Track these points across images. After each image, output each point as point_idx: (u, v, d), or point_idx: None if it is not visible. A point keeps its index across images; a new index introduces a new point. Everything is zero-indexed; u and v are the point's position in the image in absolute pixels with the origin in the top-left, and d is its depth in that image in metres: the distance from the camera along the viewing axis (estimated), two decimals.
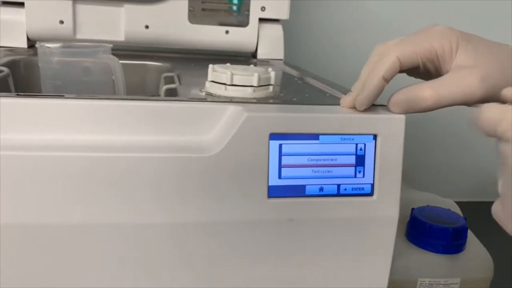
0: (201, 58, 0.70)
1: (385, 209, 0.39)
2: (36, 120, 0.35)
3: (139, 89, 0.66)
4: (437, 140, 0.98)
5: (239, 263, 0.38)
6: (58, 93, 0.37)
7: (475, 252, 0.49)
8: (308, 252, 0.39)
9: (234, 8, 0.70)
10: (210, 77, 0.44)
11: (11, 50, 0.64)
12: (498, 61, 0.38)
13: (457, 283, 0.47)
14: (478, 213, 0.91)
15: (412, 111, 0.38)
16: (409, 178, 0.69)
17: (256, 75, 0.43)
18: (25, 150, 0.34)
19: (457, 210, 0.54)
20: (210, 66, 0.45)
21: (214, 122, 0.37)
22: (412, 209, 0.50)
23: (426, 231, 0.47)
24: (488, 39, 0.40)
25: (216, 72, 0.44)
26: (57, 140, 0.35)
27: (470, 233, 0.52)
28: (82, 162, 0.35)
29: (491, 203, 0.33)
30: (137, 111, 0.36)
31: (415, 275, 0.47)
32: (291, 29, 0.86)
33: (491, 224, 0.34)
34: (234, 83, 0.43)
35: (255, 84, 0.43)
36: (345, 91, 0.46)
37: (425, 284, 0.47)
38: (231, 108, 0.37)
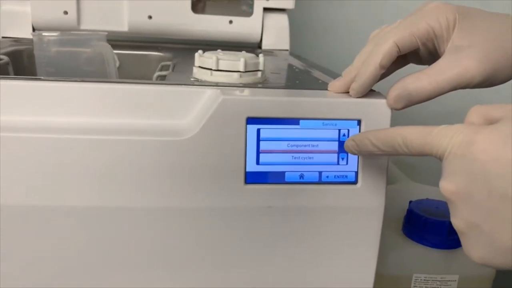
0: (204, 48, 0.69)
1: (370, 198, 0.37)
2: (10, 102, 0.35)
3: (140, 79, 0.65)
4: None
5: (215, 250, 0.37)
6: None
7: None
8: (287, 241, 0.37)
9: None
10: (197, 63, 0.44)
11: (16, 40, 0.65)
12: (498, 37, 0.35)
13: (455, 280, 0.45)
14: None
15: (413, 104, 0.36)
16: (415, 171, 0.67)
17: (242, 60, 0.41)
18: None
19: None
20: (199, 51, 0.44)
21: (191, 105, 0.37)
22: (410, 202, 0.48)
23: (421, 225, 0.45)
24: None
25: (203, 57, 0.43)
26: (28, 122, 0.35)
27: None
28: (56, 144, 0.34)
29: None
30: (113, 94, 0.36)
31: (410, 270, 0.45)
32: (303, 20, 0.84)
33: None
34: (220, 68, 0.42)
35: (241, 69, 0.41)
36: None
37: (421, 280, 0.45)
38: (209, 92, 0.36)
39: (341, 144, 0.37)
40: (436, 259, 0.45)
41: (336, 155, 0.37)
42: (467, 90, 0.85)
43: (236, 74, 0.41)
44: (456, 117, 0.98)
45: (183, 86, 0.37)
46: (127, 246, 0.36)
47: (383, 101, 0.37)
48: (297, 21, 0.82)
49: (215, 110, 0.35)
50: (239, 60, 0.42)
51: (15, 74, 0.57)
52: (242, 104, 0.35)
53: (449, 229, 0.44)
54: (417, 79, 0.35)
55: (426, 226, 0.44)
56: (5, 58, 0.55)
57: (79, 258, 0.36)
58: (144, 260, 0.37)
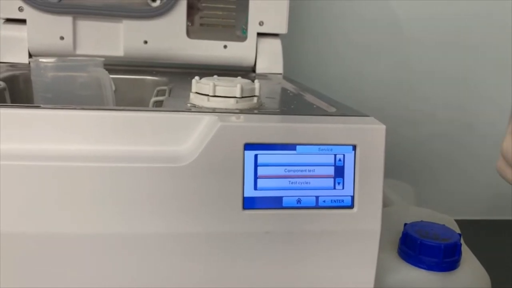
0: (200, 73, 0.70)
1: (367, 222, 0.38)
2: (10, 130, 0.35)
3: (136, 104, 0.66)
4: (446, 158, 0.95)
5: (213, 276, 0.37)
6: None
7: (470, 270, 0.47)
8: (285, 266, 0.38)
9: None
10: (194, 89, 0.44)
11: (13, 65, 0.65)
12: None
13: None
14: (492, 231, 0.89)
15: None
16: (409, 194, 0.68)
17: (238, 86, 0.42)
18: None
19: (453, 226, 0.52)
20: (195, 77, 0.45)
21: (189, 132, 0.37)
22: (405, 224, 0.48)
23: (417, 248, 0.45)
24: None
25: (200, 83, 0.44)
26: (27, 150, 0.35)
27: (467, 250, 0.50)
28: (54, 172, 0.34)
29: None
30: (112, 121, 0.36)
31: None
32: (295, 43, 0.86)
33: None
34: (216, 94, 0.43)
35: (238, 95, 0.42)
36: (338, 105, 0.45)
37: None
38: (207, 118, 0.37)
39: (337, 168, 0.37)
40: (432, 281, 0.45)
41: (332, 179, 0.37)
42: (460, 112, 0.86)
43: (232, 100, 0.42)
44: (446, 138, 0.98)
45: (181, 112, 0.38)
46: (125, 272, 0.36)
47: (377, 126, 0.37)
48: (290, 45, 0.83)
49: (213, 136, 0.35)
50: (235, 86, 0.42)
51: (11, 99, 0.58)
52: (240, 131, 0.36)
53: (444, 252, 0.44)
54: None
55: (422, 248, 0.45)
56: (2, 84, 0.56)
57: (78, 285, 0.36)
58: (141, 285, 0.37)
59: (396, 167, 0.91)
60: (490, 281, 0.48)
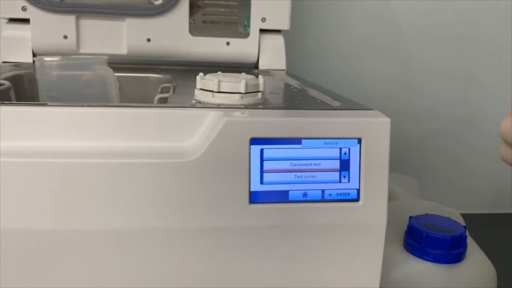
0: (203, 69, 0.71)
1: (372, 215, 0.38)
2: (17, 127, 0.36)
3: (141, 102, 0.66)
4: (450, 151, 0.95)
5: (220, 271, 0.37)
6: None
7: (476, 262, 0.47)
8: (291, 260, 0.38)
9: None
10: (198, 85, 0.45)
11: (17, 65, 0.65)
12: None
13: None
14: (493, 225, 0.89)
15: None
16: (413, 187, 0.68)
17: (243, 82, 0.42)
18: (6, 157, 0.34)
19: (458, 219, 0.52)
20: (200, 74, 0.45)
21: (195, 127, 0.37)
22: (410, 217, 0.49)
23: (423, 240, 0.46)
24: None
25: (204, 80, 0.44)
26: (36, 147, 0.35)
27: (472, 243, 0.50)
28: (63, 168, 0.35)
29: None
30: (118, 118, 0.37)
31: (411, 285, 0.45)
32: (297, 40, 0.86)
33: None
34: (221, 90, 0.43)
35: (242, 90, 0.43)
36: (342, 100, 0.45)
37: None
38: (212, 114, 0.37)
39: (342, 162, 0.38)
40: (438, 274, 0.45)
41: (338, 173, 0.38)
42: (461, 108, 0.86)
43: (237, 96, 0.42)
44: (448, 135, 0.98)
45: (186, 108, 0.38)
46: (132, 267, 0.37)
47: (382, 119, 0.38)
48: (292, 41, 0.83)
49: (219, 132, 0.36)
50: (240, 82, 0.43)
51: (16, 99, 0.58)
52: (245, 126, 0.36)
53: (450, 244, 0.45)
54: None
55: (428, 241, 0.45)
56: (7, 83, 0.56)
57: (84, 282, 0.37)
58: (149, 281, 0.37)
59: (398, 163, 0.91)
60: (495, 273, 0.48)
